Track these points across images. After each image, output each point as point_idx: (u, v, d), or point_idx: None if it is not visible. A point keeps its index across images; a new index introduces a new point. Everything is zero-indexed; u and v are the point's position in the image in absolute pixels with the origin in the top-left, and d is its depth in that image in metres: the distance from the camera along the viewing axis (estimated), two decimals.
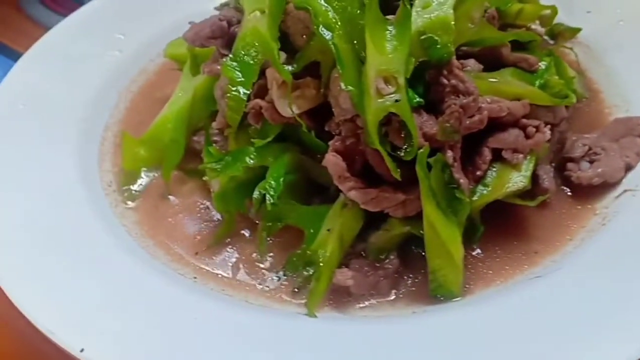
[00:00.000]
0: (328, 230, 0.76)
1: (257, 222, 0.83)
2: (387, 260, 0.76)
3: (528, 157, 0.77)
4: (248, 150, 0.81)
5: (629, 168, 0.83)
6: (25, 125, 0.93)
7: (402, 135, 0.70)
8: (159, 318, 0.70)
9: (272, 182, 0.76)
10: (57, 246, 0.77)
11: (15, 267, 0.75)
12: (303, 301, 0.75)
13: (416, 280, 0.76)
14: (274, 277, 0.78)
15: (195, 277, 0.79)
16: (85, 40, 1.09)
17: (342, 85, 0.71)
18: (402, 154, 0.70)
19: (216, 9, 1.15)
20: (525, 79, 0.82)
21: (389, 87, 0.69)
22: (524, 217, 0.82)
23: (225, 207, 0.80)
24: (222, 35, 0.85)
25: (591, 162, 0.84)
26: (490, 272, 0.76)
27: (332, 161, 0.72)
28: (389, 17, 0.73)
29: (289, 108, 0.77)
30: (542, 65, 0.84)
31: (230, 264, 0.80)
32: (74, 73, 1.03)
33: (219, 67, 0.84)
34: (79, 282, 0.73)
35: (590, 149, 0.85)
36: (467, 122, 0.73)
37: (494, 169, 0.77)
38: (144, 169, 0.92)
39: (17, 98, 0.97)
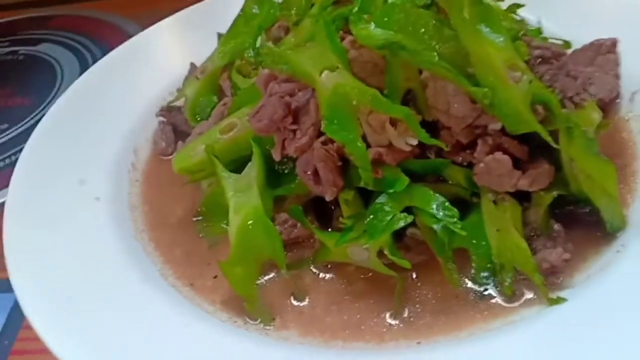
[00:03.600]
0: (497, 230, 0.78)
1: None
2: (555, 229, 0.80)
3: None
4: (381, 204, 0.77)
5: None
6: None
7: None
8: None
9: (444, 212, 0.75)
10: None
11: None
12: (527, 299, 0.75)
13: (580, 231, 0.82)
14: (477, 300, 0.77)
15: (419, 342, 0.73)
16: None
17: (476, 93, 0.73)
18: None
19: (160, 114, 1.07)
20: None
21: (517, 73, 0.74)
22: None
23: (400, 261, 0.76)
24: (290, 111, 0.79)
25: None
26: None
27: (503, 160, 0.75)
28: None
29: (409, 142, 0.77)
30: None
31: (429, 314, 0.76)
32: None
33: (305, 142, 0.79)
34: None
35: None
36: None
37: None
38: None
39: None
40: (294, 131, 0.81)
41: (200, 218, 0.94)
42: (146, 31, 1.25)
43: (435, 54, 0.74)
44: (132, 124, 1.09)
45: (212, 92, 1.03)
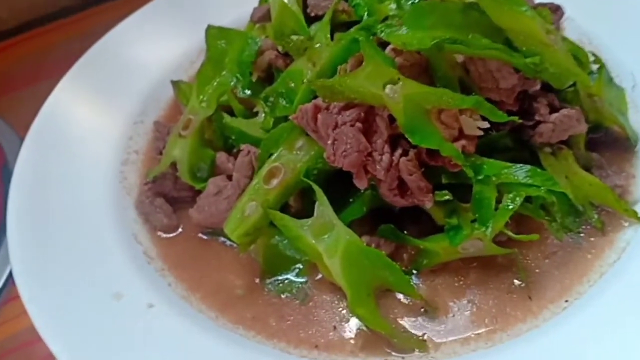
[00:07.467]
0: (566, 177, 0.85)
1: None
2: (596, 158, 0.90)
3: None
4: (479, 193, 0.79)
5: None
6: None
7: None
8: None
9: (539, 178, 0.79)
10: None
11: None
12: (618, 225, 0.84)
13: (607, 153, 0.92)
14: (578, 243, 0.84)
15: (566, 300, 0.78)
16: None
17: (528, 63, 0.78)
18: None
19: (146, 189, 0.95)
20: None
21: (551, 36, 0.80)
22: None
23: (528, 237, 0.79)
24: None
25: None
26: None
27: (572, 114, 0.82)
28: None
29: (480, 126, 0.79)
30: None
31: (551, 271, 0.82)
32: None
33: (387, 161, 0.77)
34: None
35: None
36: None
37: None
38: None
39: None
40: (370, 154, 0.78)
41: (267, 278, 0.86)
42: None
43: (483, 38, 0.77)
44: (116, 210, 0.94)
45: (205, 145, 0.93)
